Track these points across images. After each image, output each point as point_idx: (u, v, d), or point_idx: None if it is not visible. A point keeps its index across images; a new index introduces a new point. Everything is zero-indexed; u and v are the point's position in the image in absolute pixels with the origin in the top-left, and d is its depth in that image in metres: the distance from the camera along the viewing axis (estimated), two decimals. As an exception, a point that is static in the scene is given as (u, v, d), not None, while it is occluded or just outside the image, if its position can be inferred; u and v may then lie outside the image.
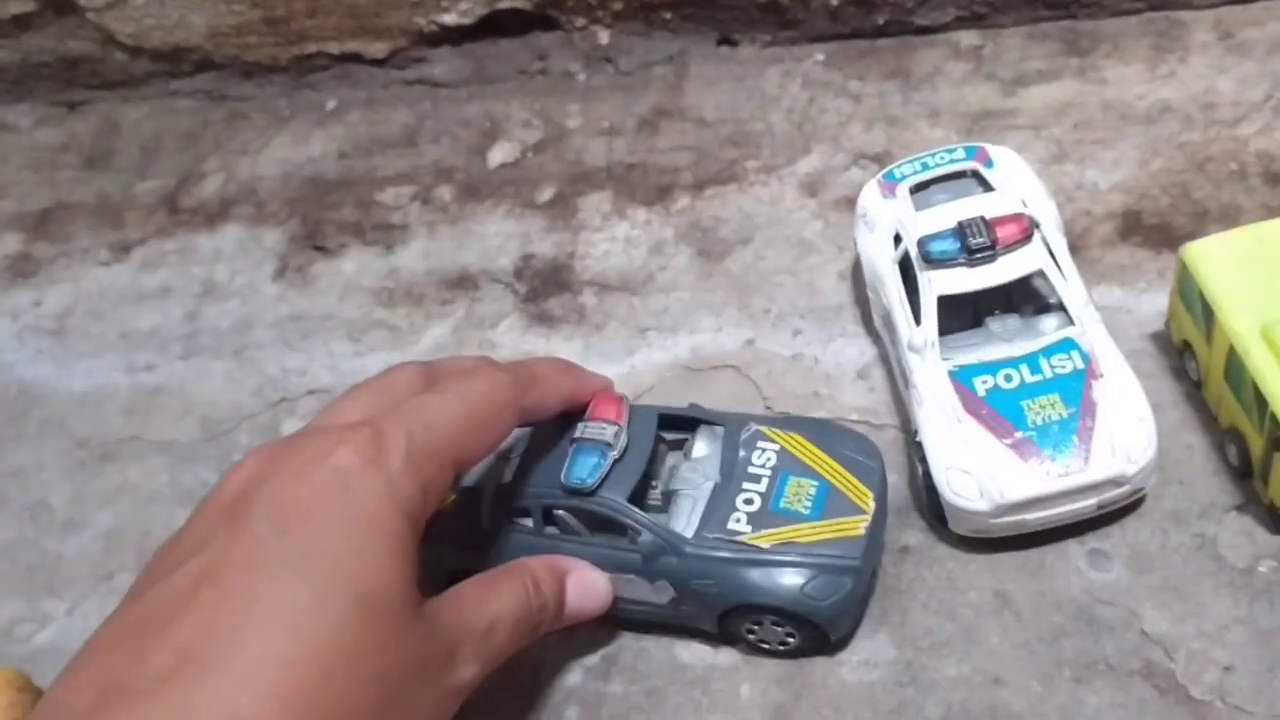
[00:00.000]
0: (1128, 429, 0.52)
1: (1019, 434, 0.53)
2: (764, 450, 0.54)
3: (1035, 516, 0.53)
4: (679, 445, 0.56)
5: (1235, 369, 0.53)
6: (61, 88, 0.89)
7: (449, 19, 0.81)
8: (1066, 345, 0.55)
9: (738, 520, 0.52)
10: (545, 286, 0.71)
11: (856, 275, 0.65)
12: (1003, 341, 0.56)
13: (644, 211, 0.73)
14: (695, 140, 0.76)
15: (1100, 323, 0.56)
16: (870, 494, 0.53)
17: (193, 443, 0.67)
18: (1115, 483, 0.52)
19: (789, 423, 0.56)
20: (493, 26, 0.81)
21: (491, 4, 0.80)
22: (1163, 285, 0.60)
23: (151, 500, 0.65)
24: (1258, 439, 0.52)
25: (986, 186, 0.60)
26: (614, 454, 0.52)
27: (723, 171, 0.74)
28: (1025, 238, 0.56)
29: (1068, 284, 0.56)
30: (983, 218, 0.56)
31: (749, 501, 0.53)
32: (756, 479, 0.53)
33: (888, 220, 0.61)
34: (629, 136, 0.78)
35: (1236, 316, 0.53)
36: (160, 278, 0.77)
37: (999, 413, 0.53)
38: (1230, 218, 0.64)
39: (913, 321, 0.57)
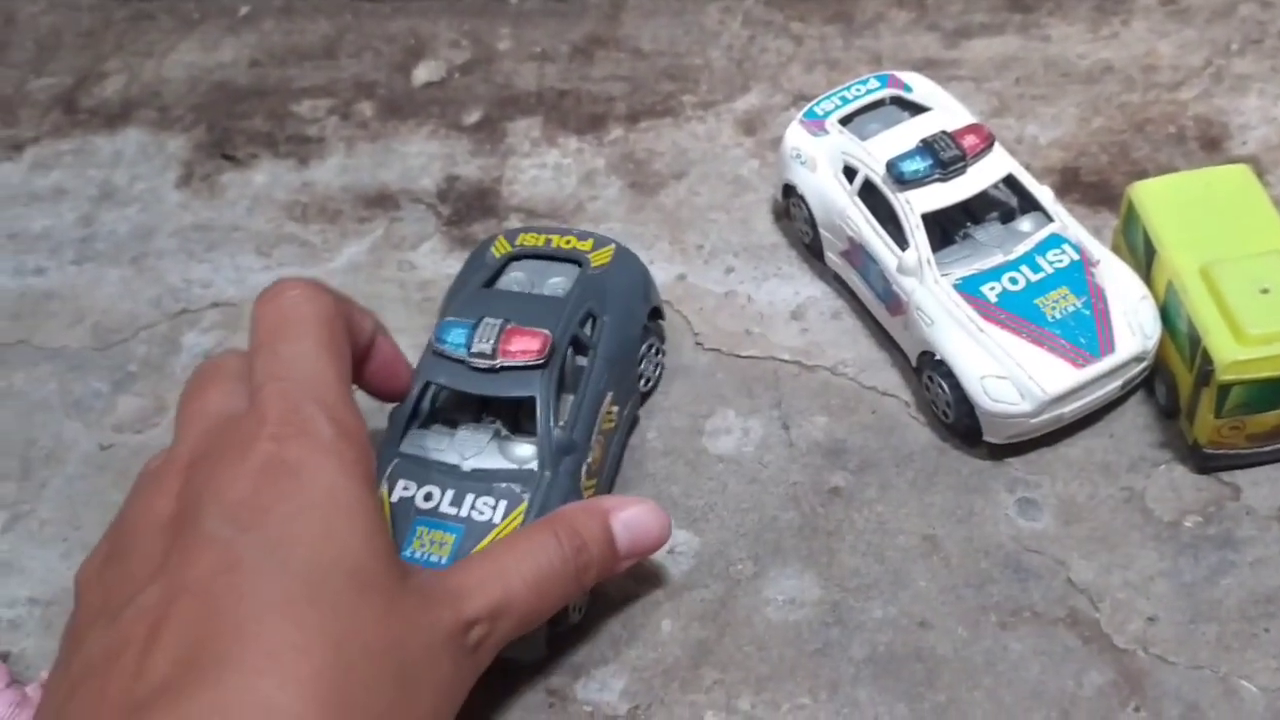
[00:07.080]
0: (1137, 307, 0.54)
1: (1043, 330, 0.53)
2: None
3: (1072, 408, 0.53)
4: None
5: (1172, 306, 0.53)
6: (-49, -27, 0.83)
7: (377, -72, 0.78)
8: (1056, 241, 0.55)
9: None
10: (470, 210, 0.68)
11: (784, 216, 0.64)
12: (992, 249, 0.55)
13: (575, 140, 0.70)
14: (631, 71, 0.74)
15: (1071, 216, 0.57)
16: None
17: (83, 350, 0.63)
18: (1138, 359, 0.53)
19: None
20: (423, -60, 0.78)
21: (423, -85, 0.77)
22: (1100, 242, 0.59)
23: (37, 408, 0.61)
24: (1187, 376, 0.52)
25: (915, 109, 0.60)
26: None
27: (658, 104, 0.72)
28: (988, 145, 0.56)
29: (1037, 184, 0.56)
30: (944, 131, 0.56)
31: None
32: None
33: (829, 155, 0.59)
34: (562, 63, 0.75)
35: (1178, 254, 0.53)
36: (54, 179, 0.72)
37: (1017, 314, 0.53)
38: (1167, 179, 0.63)
39: (895, 247, 0.56)
